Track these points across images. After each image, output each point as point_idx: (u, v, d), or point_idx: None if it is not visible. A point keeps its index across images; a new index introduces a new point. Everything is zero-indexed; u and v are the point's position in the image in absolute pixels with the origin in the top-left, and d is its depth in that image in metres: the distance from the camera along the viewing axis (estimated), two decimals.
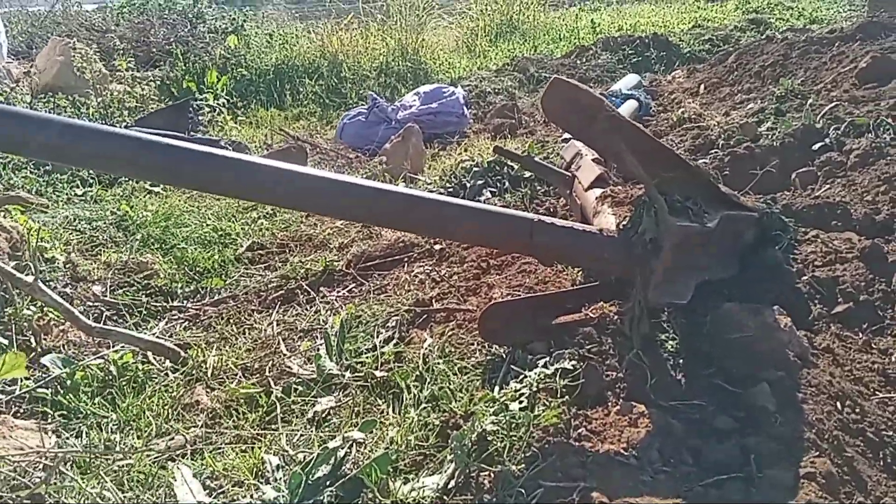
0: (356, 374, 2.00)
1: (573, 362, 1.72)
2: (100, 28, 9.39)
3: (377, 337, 2.20)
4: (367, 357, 2.07)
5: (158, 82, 7.73)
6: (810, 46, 5.67)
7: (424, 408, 1.71)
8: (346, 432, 1.58)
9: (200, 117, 5.98)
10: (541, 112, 6.03)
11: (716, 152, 3.56)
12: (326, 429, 1.76)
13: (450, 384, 1.84)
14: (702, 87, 6.14)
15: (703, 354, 1.81)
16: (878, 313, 1.99)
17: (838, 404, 1.58)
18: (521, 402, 1.59)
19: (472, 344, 2.05)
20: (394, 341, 2.16)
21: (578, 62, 8.21)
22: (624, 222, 1.80)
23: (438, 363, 1.92)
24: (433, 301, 2.37)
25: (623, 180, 2.30)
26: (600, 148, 1.89)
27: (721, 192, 2.08)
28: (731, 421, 1.58)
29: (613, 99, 5.26)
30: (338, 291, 2.71)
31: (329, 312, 2.51)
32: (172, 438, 1.80)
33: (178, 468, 1.56)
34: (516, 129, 5.45)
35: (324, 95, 8.14)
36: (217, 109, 6.21)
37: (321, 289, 2.75)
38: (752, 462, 1.41)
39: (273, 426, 1.84)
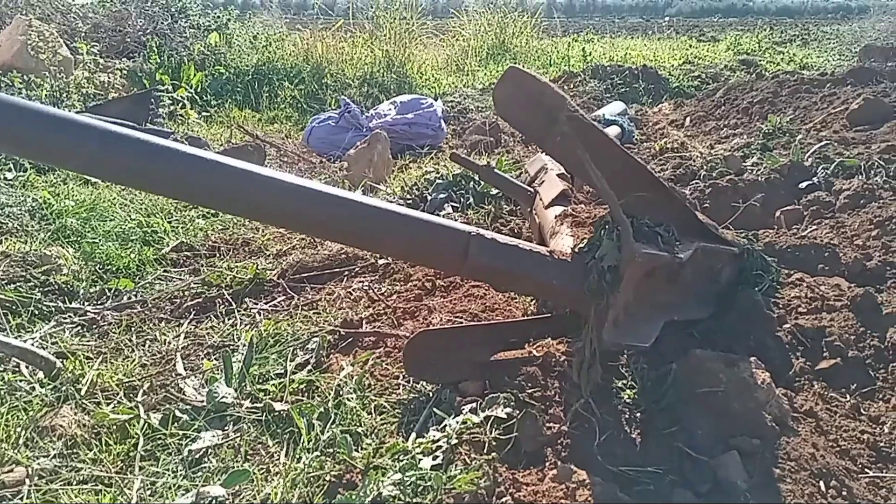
0: (255, 404, 1.67)
1: (508, 409, 1.42)
2: (77, 14, 9.07)
3: (291, 361, 1.88)
4: (272, 384, 1.75)
5: (128, 72, 7.43)
6: (801, 86, 5.52)
7: (319, 456, 1.38)
8: (202, 486, 1.25)
9: (161, 109, 5.66)
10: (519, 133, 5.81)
11: (697, 183, 3.32)
12: (199, 473, 1.43)
13: (360, 426, 1.52)
14: (688, 119, 5.96)
15: (665, 410, 1.51)
16: (868, 373, 1.71)
17: (822, 485, 1.29)
18: (435, 458, 1.28)
19: (398, 377, 1.74)
20: (308, 367, 1.84)
21: (566, 88, 8.04)
22: (581, 245, 1.50)
23: (351, 398, 1.60)
24: (363, 322, 2.06)
25: (589, 199, 2.02)
26: (559, 155, 1.60)
27: (698, 220, 1.81)
28: (692, 497, 1.28)
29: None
30: (263, 303, 2.38)
31: (247, 327, 2.18)
32: (11, 471, 1.46)
33: None
34: (494, 147, 5.20)
35: (303, 100, 7.94)
36: (181, 102, 5.88)
37: (245, 299, 2.42)
38: None
39: (145, 463, 1.50)
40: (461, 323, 1.93)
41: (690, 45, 13.37)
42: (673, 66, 9.75)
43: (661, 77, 8.42)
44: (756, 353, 1.73)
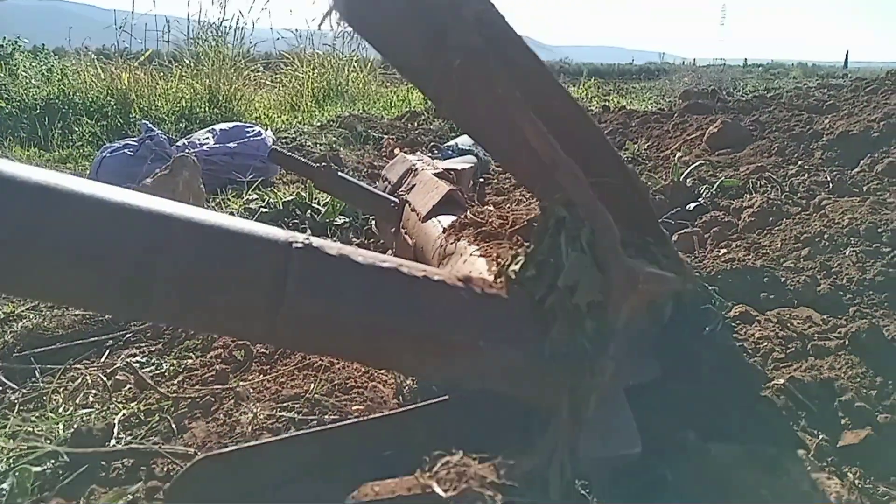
0: None
1: None
2: None
3: None
4: None
5: None
6: (649, 117, 5.43)
7: None
8: None
9: None
10: (366, 167, 5.16)
11: None
12: None
13: None
14: None
15: None
16: None
17: None
18: None
19: None
20: None
21: (409, 126, 7.56)
22: (513, 265, 0.78)
23: None
24: (114, 431, 1.17)
25: (491, 197, 1.32)
26: (454, 104, 0.88)
27: (658, 226, 1.19)
28: None
29: (449, 153, 4.55)
30: None
31: None
32: None
33: None
34: None
35: (104, 137, 6.78)
36: None
37: None
38: None
39: None
40: (292, 418, 1.11)
41: None
42: None
43: None
44: (746, 430, 1.14)
